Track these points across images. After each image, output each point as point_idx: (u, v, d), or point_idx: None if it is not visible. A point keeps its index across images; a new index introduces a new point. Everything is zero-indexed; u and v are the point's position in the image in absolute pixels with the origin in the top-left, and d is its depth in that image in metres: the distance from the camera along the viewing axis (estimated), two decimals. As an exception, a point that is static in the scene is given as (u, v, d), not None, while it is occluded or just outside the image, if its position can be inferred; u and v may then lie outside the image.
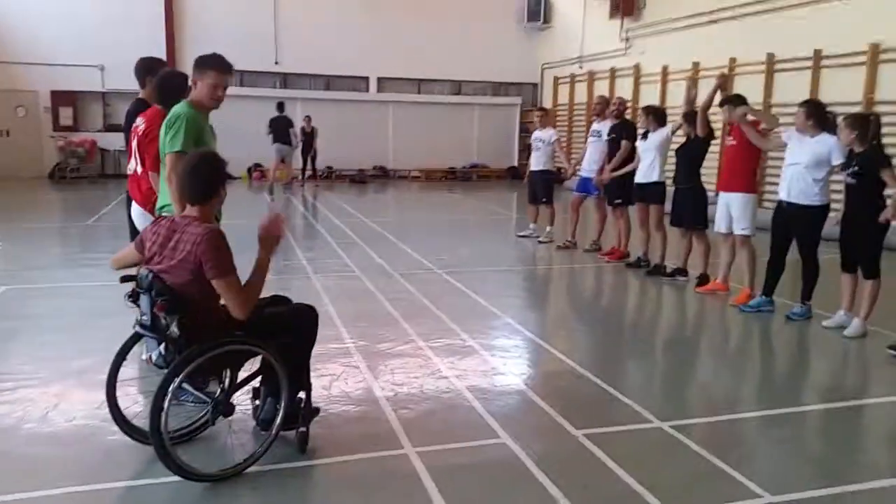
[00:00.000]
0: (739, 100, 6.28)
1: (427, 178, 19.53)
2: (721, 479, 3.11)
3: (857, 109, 10.19)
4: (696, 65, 13.84)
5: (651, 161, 7.48)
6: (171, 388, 2.81)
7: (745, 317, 5.96)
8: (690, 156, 6.92)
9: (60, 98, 17.14)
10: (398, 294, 6.38)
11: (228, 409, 3.09)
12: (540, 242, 9.32)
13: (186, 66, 4.65)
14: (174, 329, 2.89)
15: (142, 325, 3.03)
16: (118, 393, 3.14)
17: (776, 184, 6.30)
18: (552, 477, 3.07)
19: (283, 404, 3.17)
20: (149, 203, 4.18)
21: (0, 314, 5.66)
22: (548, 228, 9.39)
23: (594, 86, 17.53)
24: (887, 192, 5.16)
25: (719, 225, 6.47)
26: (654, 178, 7.45)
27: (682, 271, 7.25)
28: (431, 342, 4.99)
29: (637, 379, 4.60)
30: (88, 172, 16.89)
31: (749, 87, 12.34)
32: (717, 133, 6.71)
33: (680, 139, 7.36)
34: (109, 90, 17.02)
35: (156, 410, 2.79)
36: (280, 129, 15.38)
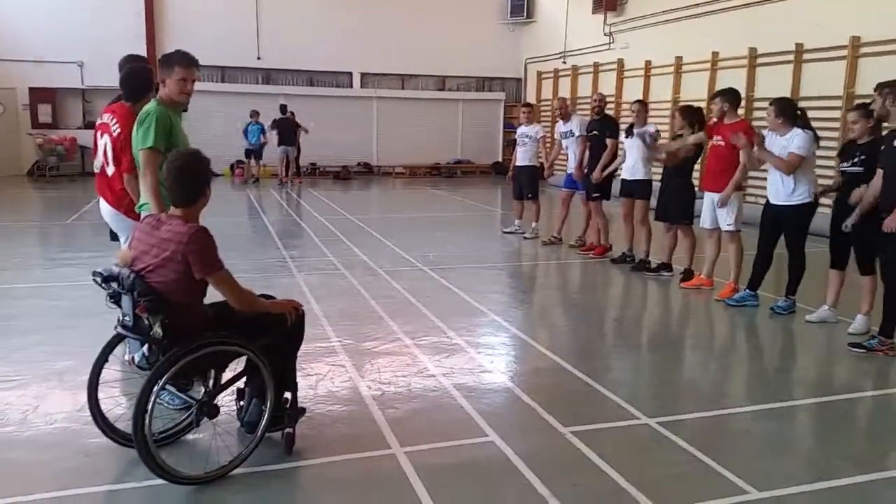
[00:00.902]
0: (734, 95, 6.31)
1: (411, 174, 19.48)
2: (708, 476, 3.11)
3: (837, 103, 10.32)
4: (678, 59, 13.91)
5: (636, 158, 7.50)
6: (155, 390, 2.76)
7: (730, 311, 5.99)
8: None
9: (39, 95, 16.86)
10: (383, 292, 6.34)
11: (213, 411, 3.05)
12: (525, 238, 9.32)
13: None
14: (157, 330, 2.84)
15: (124, 326, 2.97)
16: (100, 395, 3.09)
17: (763, 178, 6.31)
18: (541, 475, 3.05)
19: (268, 405, 3.13)
20: (122, 204, 4.14)
21: (-23, 315, 5.55)
22: (533, 224, 9.39)
23: (578, 81, 17.56)
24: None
25: (704, 221, 6.50)
26: (640, 175, 7.47)
27: (667, 266, 7.27)
28: (417, 340, 4.96)
29: (623, 375, 4.60)
30: (68, 170, 16.63)
31: (731, 81, 12.40)
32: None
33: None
34: (89, 87, 16.77)
35: (139, 413, 2.74)
36: (285, 130, 15.80)
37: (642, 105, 7.63)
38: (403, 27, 18.75)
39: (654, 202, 7.36)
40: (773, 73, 11.61)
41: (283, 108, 16.06)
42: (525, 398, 3.96)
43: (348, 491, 2.97)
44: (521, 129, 9.45)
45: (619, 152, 7.94)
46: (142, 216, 3.47)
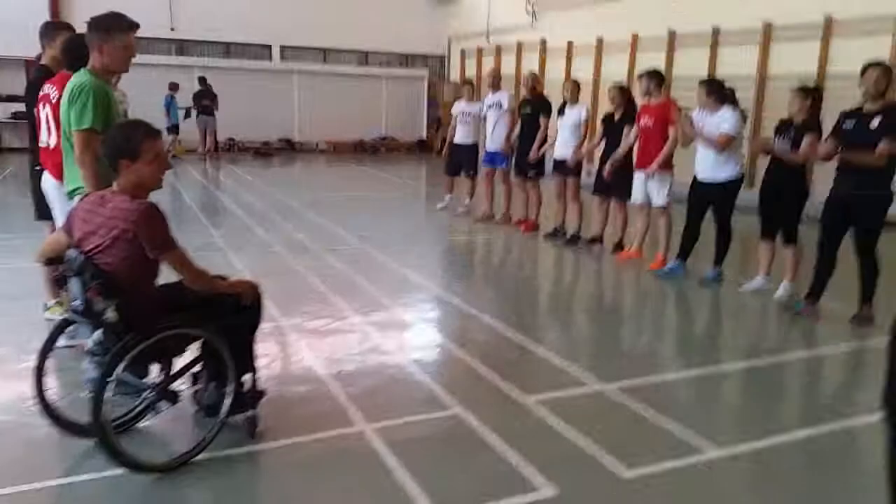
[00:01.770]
0: (659, 76, 6.53)
1: (335, 150, 19.13)
2: (664, 436, 3.26)
3: (742, 86, 10.84)
4: (600, 41, 14.22)
5: (567, 137, 7.66)
6: (113, 377, 2.62)
7: (661, 281, 6.25)
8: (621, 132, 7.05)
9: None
10: (325, 270, 6.24)
11: (172, 397, 2.92)
12: (457, 215, 9.36)
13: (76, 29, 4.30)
14: (111, 314, 2.69)
15: (74, 311, 2.80)
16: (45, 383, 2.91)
17: (688, 157, 6.57)
18: (509, 443, 3.12)
19: (229, 388, 3.03)
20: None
21: None
22: (467, 201, 9.45)
23: (501, 59, 17.66)
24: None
25: (636, 197, 6.73)
26: (569, 154, 7.63)
27: (598, 240, 7.50)
28: (366, 317, 4.92)
29: (574, 344, 4.74)
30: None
31: (651, 62, 12.82)
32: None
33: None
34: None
35: (97, 401, 2.60)
36: (206, 100, 15.47)
37: (574, 84, 7.76)
38: (325, 0, 18.26)
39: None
40: (691, 55, 12.06)
41: (202, 81, 15.40)
42: (481, 370, 4.01)
43: (320, 471, 2.93)
44: (462, 107, 9.38)
45: (551, 131, 8.10)
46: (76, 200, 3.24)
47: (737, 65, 11.10)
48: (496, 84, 8.94)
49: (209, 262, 6.23)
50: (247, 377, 3.17)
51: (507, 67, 17.19)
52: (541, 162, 8.30)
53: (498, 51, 17.73)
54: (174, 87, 15.42)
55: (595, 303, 6.00)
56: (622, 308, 5.91)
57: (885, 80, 4.66)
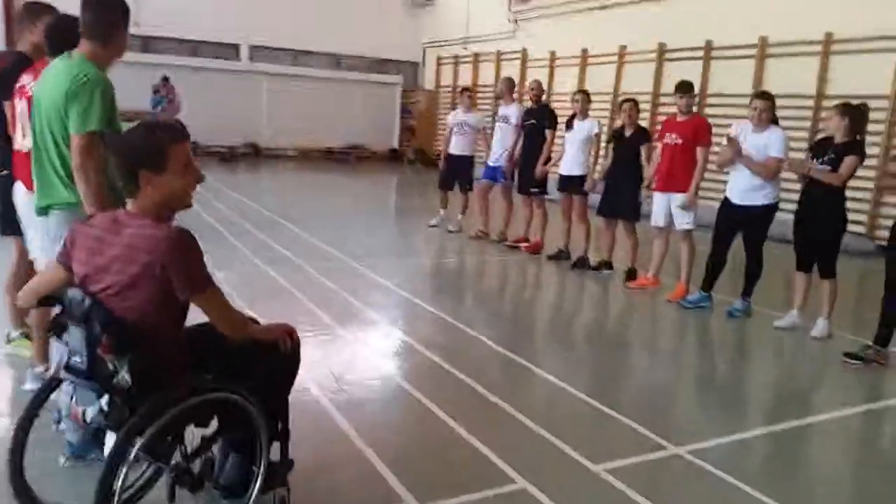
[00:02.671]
0: (690, 86, 6.16)
1: (303, 157, 18.40)
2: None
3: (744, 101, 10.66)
4: (584, 52, 13.94)
5: (575, 153, 7.25)
6: (127, 459, 2.02)
7: (684, 313, 5.84)
8: (635, 150, 6.67)
9: None
10: (320, 292, 5.64)
11: (195, 483, 2.28)
12: (450, 232, 8.84)
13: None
14: (124, 375, 2.07)
15: (71, 370, 2.16)
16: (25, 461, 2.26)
17: (717, 179, 6.22)
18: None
19: (261, 463, 2.44)
20: None
21: None
22: (459, 217, 8.93)
23: (479, 68, 17.28)
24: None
25: (657, 219, 6.30)
26: (577, 171, 7.23)
27: (607, 264, 7.08)
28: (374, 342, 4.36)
29: (566, 365, 4.26)
30: None
31: (639, 75, 12.62)
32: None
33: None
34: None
35: (104, 490, 1.99)
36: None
37: (585, 95, 7.34)
38: (297, 0, 17.57)
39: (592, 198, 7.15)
40: (682, 69, 11.84)
41: (165, 79, 14.48)
42: (498, 402, 3.49)
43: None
44: (460, 117, 8.82)
45: (556, 147, 7.67)
46: (74, 221, 2.56)
47: (731, 80, 10.89)
48: (508, 97, 8.37)
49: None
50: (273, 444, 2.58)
51: (485, 77, 16.84)
52: (545, 179, 7.83)
53: (476, 59, 17.35)
54: (165, 81, 14.32)
55: (602, 334, 5.51)
56: (636, 342, 5.32)
57: None
